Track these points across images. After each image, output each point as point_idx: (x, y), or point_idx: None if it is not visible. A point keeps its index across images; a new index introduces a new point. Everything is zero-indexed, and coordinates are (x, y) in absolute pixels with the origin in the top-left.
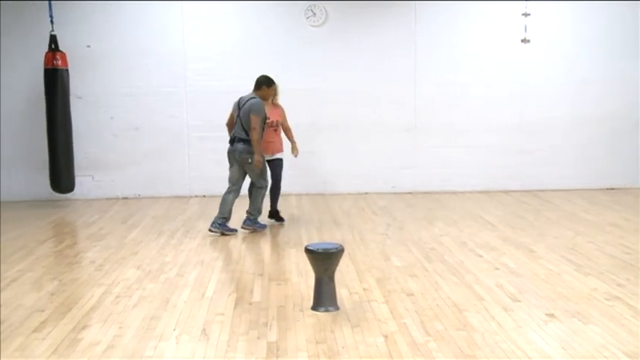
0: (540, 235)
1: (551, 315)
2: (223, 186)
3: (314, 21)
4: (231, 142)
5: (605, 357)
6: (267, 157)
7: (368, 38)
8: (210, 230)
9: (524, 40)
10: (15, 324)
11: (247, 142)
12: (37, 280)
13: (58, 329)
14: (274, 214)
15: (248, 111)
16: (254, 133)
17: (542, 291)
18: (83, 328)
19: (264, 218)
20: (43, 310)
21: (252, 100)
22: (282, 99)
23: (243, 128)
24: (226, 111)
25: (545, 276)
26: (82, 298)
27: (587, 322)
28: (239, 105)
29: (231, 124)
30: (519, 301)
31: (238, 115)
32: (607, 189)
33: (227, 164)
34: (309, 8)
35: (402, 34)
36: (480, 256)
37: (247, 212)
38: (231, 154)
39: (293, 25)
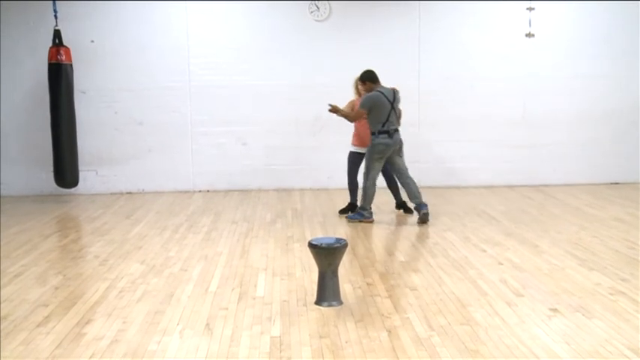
0: (544, 230)
1: (555, 310)
2: (227, 181)
3: (318, 16)
4: (391, 135)
5: (609, 352)
6: (363, 150)
7: (371, 32)
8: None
9: (528, 35)
10: (19, 318)
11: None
12: (41, 275)
13: (63, 324)
14: (403, 205)
15: (398, 102)
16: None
17: (546, 286)
18: (87, 322)
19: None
20: (47, 305)
21: (399, 93)
22: (285, 93)
23: (398, 119)
24: (230, 106)
25: (549, 271)
26: (86, 293)
27: (590, 316)
28: (389, 99)
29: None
30: (523, 295)
31: (392, 109)
32: (611, 184)
33: (231, 159)
34: (313, 3)
35: (406, 27)
36: (484, 251)
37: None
38: (392, 146)
39: (297, 19)
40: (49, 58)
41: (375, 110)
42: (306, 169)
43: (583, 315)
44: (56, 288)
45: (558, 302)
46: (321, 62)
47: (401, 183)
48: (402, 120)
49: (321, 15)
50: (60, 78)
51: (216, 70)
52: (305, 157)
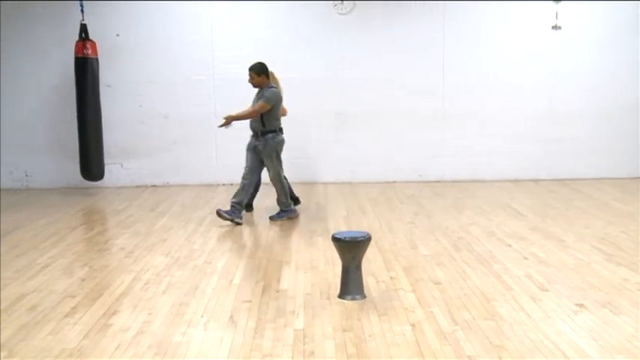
0: (570, 224)
1: (581, 305)
2: None
3: (341, 9)
4: (282, 133)
5: (637, 348)
6: None
7: (395, 26)
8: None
9: (555, 27)
10: (47, 309)
11: None
12: (68, 267)
13: (89, 315)
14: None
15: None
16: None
17: (572, 281)
18: (113, 313)
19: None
20: (74, 296)
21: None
22: (308, 87)
23: None
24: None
25: (575, 266)
26: (112, 285)
27: (618, 312)
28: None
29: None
30: (548, 290)
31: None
32: (638, 177)
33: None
34: None
35: (431, 21)
36: (509, 245)
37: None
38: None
39: (321, 12)
40: (76, 52)
41: (276, 108)
42: (329, 162)
43: (610, 311)
44: (83, 279)
45: (584, 297)
46: (345, 56)
47: (252, 181)
48: (426, 113)
49: (345, 8)
50: (86, 72)
51: (241, 63)
52: (328, 150)
